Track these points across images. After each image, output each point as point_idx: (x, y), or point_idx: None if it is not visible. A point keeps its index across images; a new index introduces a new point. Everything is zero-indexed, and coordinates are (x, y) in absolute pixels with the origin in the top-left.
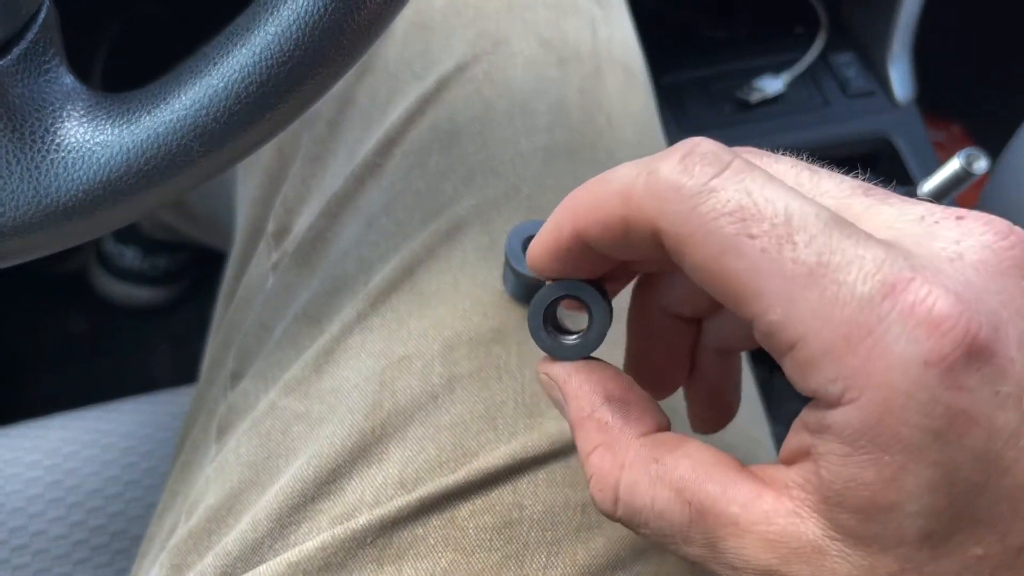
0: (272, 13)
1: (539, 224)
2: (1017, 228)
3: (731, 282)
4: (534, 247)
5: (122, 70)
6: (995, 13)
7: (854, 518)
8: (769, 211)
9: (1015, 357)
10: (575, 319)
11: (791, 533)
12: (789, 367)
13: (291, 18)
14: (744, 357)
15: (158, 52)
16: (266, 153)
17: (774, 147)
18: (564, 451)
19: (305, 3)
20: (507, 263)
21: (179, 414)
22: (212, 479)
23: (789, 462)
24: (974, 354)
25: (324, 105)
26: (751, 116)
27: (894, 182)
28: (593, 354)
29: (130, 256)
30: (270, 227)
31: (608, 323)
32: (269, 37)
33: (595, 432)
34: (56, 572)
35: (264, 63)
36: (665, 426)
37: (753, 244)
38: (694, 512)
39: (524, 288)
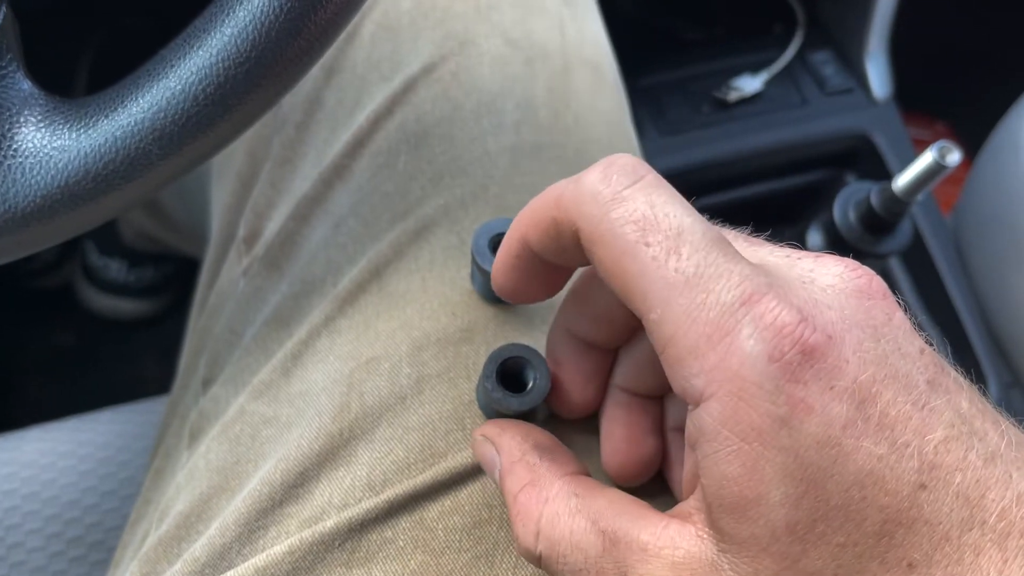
0: (228, 15)
1: (506, 222)
2: (866, 267)
3: (627, 281)
4: (496, 265)
5: (108, 79)
6: (972, 9)
7: (732, 520)
8: (665, 224)
9: (850, 359)
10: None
11: (694, 555)
12: (665, 365)
13: (247, 19)
14: None
15: (143, 61)
16: (238, 158)
17: (753, 146)
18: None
19: (261, 4)
20: (474, 261)
21: (157, 423)
22: (182, 486)
23: (689, 491)
24: (808, 353)
25: (292, 108)
26: (730, 116)
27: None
28: None
29: (115, 268)
30: (241, 232)
31: (548, 385)
32: (225, 39)
33: (523, 472)
34: None
35: (221, 65)
36: (586, 472)
37: (647, 251)
38: (607, 542)
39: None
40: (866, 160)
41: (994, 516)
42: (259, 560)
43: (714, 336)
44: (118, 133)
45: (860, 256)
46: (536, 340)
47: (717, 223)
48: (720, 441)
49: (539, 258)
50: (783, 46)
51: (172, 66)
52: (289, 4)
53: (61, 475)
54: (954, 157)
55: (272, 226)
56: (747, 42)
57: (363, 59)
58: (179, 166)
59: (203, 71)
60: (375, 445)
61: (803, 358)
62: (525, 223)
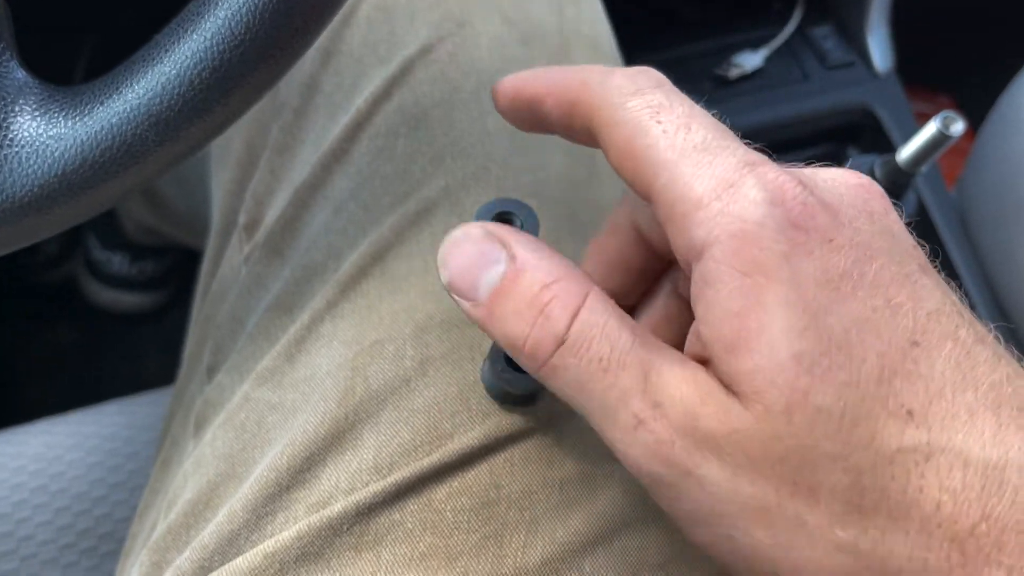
0: None
1: (508, 202)
2: (872, 181)
3: (637, 158)
4: (512, 79)
5: (107, 68)
6: None
7: (735, 358)
8: (678, 110)
9: (846, 225)
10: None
11: (707, 379)
12: (671, 231)
13: (241, 1)
14: None
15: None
16: (236, 146)
17: (756, 122)
18: (540, 429)
19: None
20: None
21: (163, 414)
22: (189, 474)
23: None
24: (807, 209)
25: (290, 93)
26: (731, 92)
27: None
28: None
29: (117, 262)
30: (241, 219)
31: None
32: (220, 21)
33: (554, 267)
34: None
35: (216, 48)
36: None
37: (658, 127)
38: (639, 341)
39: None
40: (869, 134)
41: (985, 386)
42: (268, 546)
43: (719, 188)
44: (114, 120)
45: None
46: None
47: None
48: (722, 280)
49: (542, 115)
50: (783, 21)
51: (166, 51)
52: None
53: (69, 468)
54: (958, 127)
55: (272, 213)
56: (747, 18)
57: (360, 42)
58: (176, 152)
59: (198, 55)
60: (381, 428)
61: (803, 210)
62: (546, 87)
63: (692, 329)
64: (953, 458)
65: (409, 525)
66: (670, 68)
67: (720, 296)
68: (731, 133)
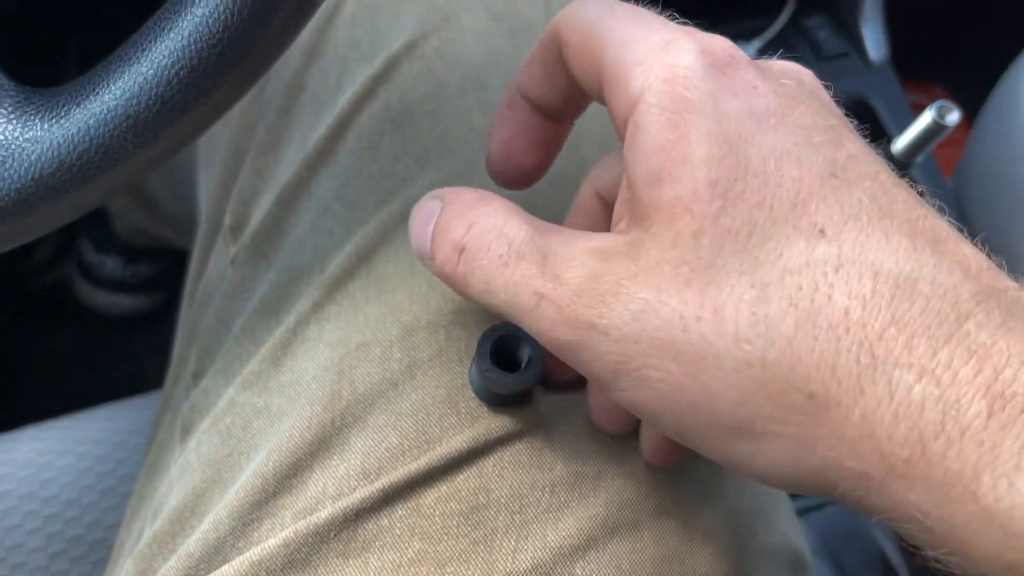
0: None
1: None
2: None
3: (592, 49)
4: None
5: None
6: None
7: (656, 189)
8: (625, 4)
9: (772, 79)
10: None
11: (613, 237)
12: (615, 95)
13: None
14: None
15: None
16: (223, 147)
17: None
18: (530, 431)
19: None
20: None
21: (153, 418)
22: (175, 480)
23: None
24: (738, 59)
25: (275, 93)
26: None
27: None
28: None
29: (111, 265)
30: (227, 221)
31: (543, 362)
32: (197, 19)
33: (471, 195)
34: None
35: (193, 46)
36: None
37: (610, 17)
38: (537, 231)
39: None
40: (865, 124)
41: (901, 219)
42: (253, 554)
43: (656, 47)
44: (91, 122)
45: None
46: None
47: None
48: (652, 121)
49: (529, 109)
50: (776, 12)
51: (143, 50)
52: None
53: (59, 474)
54: (953, 116)
55: (258, 214)
56: (740, 9)
57: (344, 39)
58: (156, 153)
59: (175, 54)
60: (368, 433)
61: (731, 60)
62: (519, 72)
63: (621, 188)
64: (864, 268)
65: (397, 531)
66: None
67: (648, 135)
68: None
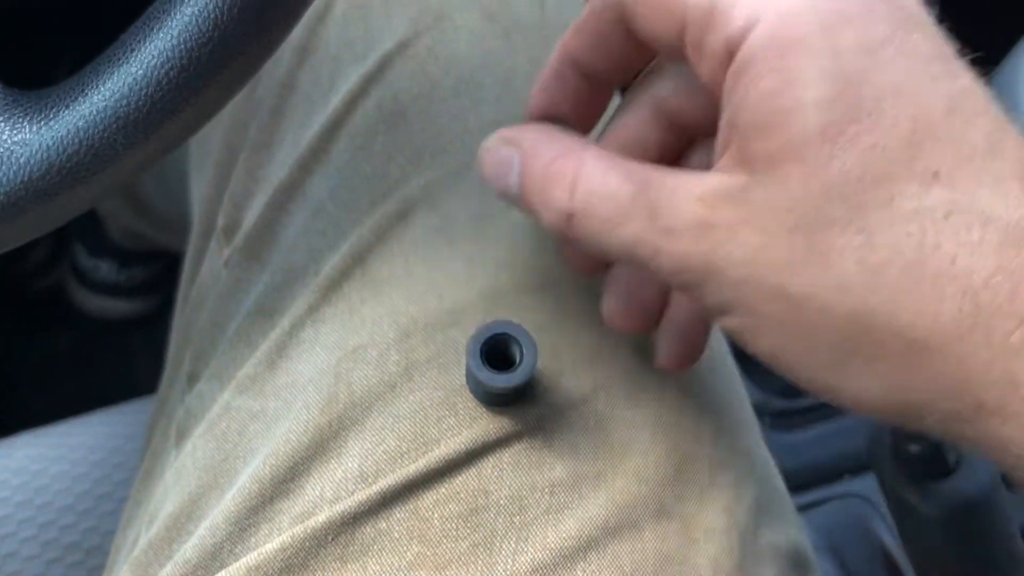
0: None
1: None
2: None
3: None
4: (536, 86)
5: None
6: None
7: (765, 137)
8: None
9: (887, 1)
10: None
11: (718, 183)
12: (708, 38)
13: None
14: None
15: None
16: (215, 148)
17: None
18: (529, 432)
19: None
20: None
21: (148, 423)
22: (170, 486)
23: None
24: None
25: (267, 93)
26: None
27: None
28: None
29: (105, 269)
30: (220, 222)
31: (535, 360)
32: (186, 19)
33: (553, 147)
34: None
35: (183, 46)
36: None
37: None
38: (639, 186)
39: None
40: None
41: (1013, 159)
42: (251, 559)
43: None
44: (80, 124)
45: None
46: (525, 320)
47: None
48: (761, 61)
49: (576, 74)
50: None
51: (132, 51)
52: None
53: (54, 481)
54: None
55: (251, 215)
56: None
57: (336, 39)
58: (147, 155)
59: (164, 54)
60: (366, 435)
61: None
62: (567, 35)
63: (723, 127)
64: (974, 217)
65: (396, 534)
66: None
67: (754, 81)
68: None
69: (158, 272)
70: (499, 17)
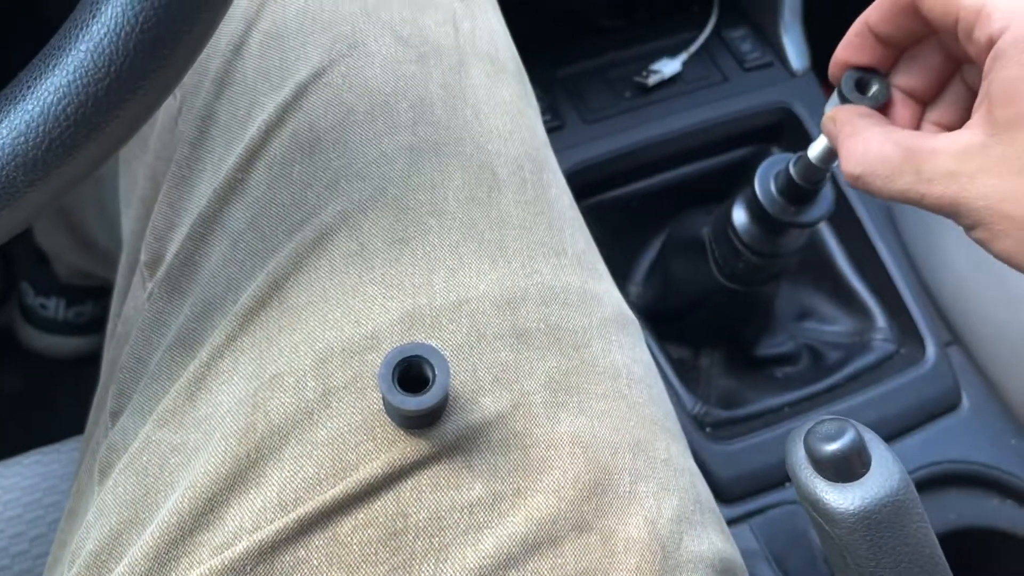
0: (84, 30)
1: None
2: None
3: None
4: (839, 47)
5: None
6: None
7: (1008, 108)
8: None
9: None
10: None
11: (971, 142)
12: (977, 28)
13: (102, 33)
14: (652, 344)
15: None
16: (140, 183)
17: (679, 127)
18: (447, 453)
19: (115, 16)
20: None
21: None
22: (92, 523)
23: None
24: None
25: (186, 126)
26: (651, 99)
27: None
28: None
29: (53, 307)
30: (143, 257)
31: (447, 382)
32: (82, 55)
33: (849, 128)
34: None
35: (79, 82)
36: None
37: None
38: (906, 152)
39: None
40: (791, 132)
41: None
42: None
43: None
44: None
45: (784, 227)
46: (443, 341)
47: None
48: (1009, 55)
49: (872, 37)
50: (701, 26)
51: (29, 88)
52: (144, 16)
53: None
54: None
55: (172, 248)
56: (666, 25)
57: (253, 69)
58: (49, 192)
59: (61, 90)
60: (284, 464)
61: None
62: (869, 9)
63: (979, 98)
64: None
65: (315, 561)
66: (592, 77)
67: (1005, 67)
68: None
69: (106, 308)
70: (413, 42)
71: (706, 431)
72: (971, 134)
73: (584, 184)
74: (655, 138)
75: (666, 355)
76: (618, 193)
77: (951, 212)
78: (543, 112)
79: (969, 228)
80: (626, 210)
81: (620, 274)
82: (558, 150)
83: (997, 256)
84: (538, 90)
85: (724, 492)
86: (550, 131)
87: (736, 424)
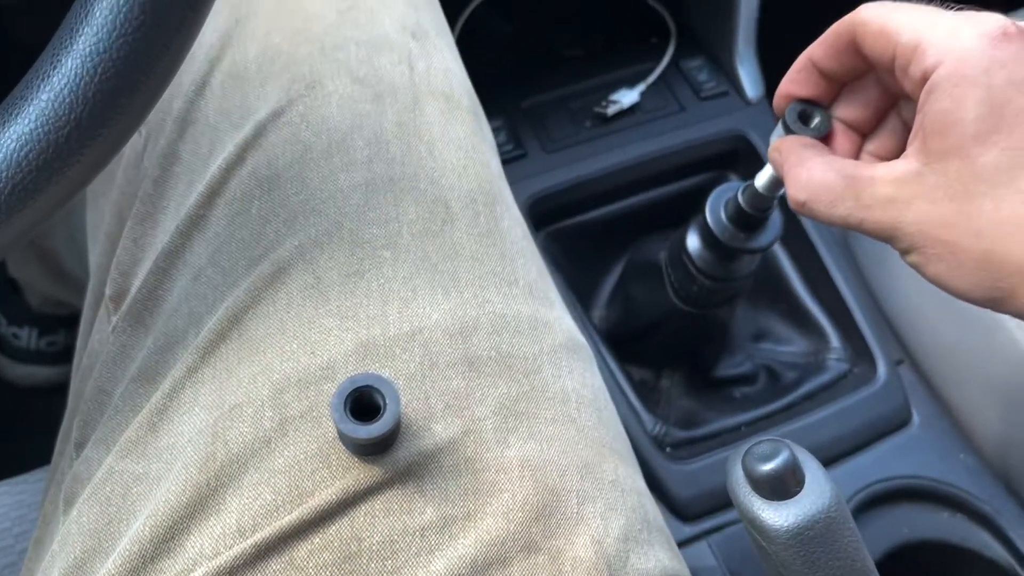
0: (45, 81)
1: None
2: None
3: (887, 32)
4: (783, 81)
5: None
6: (836, 7)
7: (939, 139)
8: (908, 3)
9: None
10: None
11: (907, 170)
12: (912, 65)
13: (63, 84)
14: (614, 366)
15: None
16: (107, 218)
17: (637, 155)
18: (400, 478)
19: (75, 69)
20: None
21: None
22: (57, 553)
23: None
24: (1008, 34)
25: (151, 164)
26: (611, 128)
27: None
28: None
29: (26, 337)
30: (108, 291)
31: (398, 412)
32: (43, 104)
33: (795, 158)
34: None
35: (41, 129)
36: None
37: (898, 11)
38: (847, 180)
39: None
40: (747, 159)
41: None
42: None
43: (943, 35)
44: None
45: (735, 253)
46: (397, 370)
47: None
48: (942, 88)
49: (815, 72)
50: (658, 56)
51: None
52: (103, 66)
53: None
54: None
55: (136, 282)
56: (624, 56)
57: (215, 109)
58: (11, 235)
59: (23, 137)
60: (243, 491)
61: (1003, 36)
62: (812, 46)
63: (913, 130)
64: None
65: None
66: (554, 107)
67: (937, 101)
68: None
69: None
70: (369, 81)
71: (666, 451)
72: (907, 163)
73: (546, 211)
74: (615, 166)
75: (627, 377)
76: (580, 219)
77: (888, 237)
78: (506, 141)
79: (905, 252)
80: (588, 236)
81: (584, 298)
82: (521, 178)
83: (931, 280)
84: (501, 120)
85: (683, 511)
86: (513, 160)
87: (695, 444)
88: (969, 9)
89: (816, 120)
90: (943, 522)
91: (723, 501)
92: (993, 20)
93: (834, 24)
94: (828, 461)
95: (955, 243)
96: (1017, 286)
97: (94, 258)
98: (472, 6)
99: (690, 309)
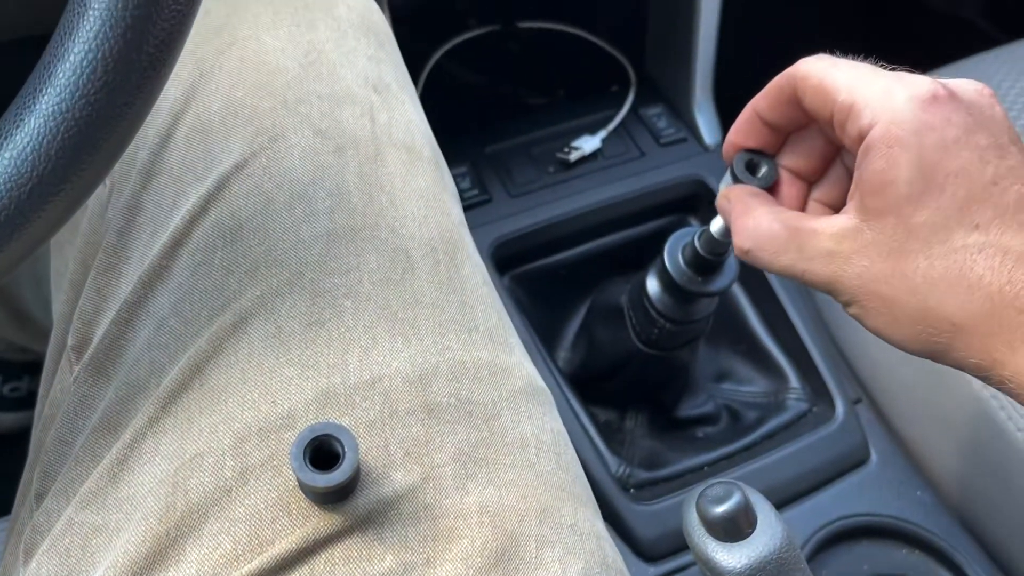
0: (8, 139)
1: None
2: (986, 87)
3: (825, 89)
4: (731, 130)
5: None
6: (788, 55)
7: (874, 198)
8: (843, 59)
9: (962, 108)
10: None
11: (846, 226)
12: (849, 123)
13: (25, 141)
14: (578, 408)
15: None
16: (71, 266)
17: (598, 200)
18: (359, 526)
19: (38, 128)
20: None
21: None
22: None
23: (841, 205)
24: (939, 97)
25: (115, 215)
26: (573, 174)
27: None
28: None
29: None
30: (70, 341)
31: (356, 461)
32: (6, 161)
33: (742, 207)
34: None
35: (3, 186)
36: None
37: (835, 70)
38: (791, 231)
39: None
40: (706, 203)
41: None
42: None
43: (877, 95)
44: None
45: (693, 296)
46: (356, 418)
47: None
48: (876, 149)
49: (760, 123)
50: (619, 104)
51: None
52: (65, 125)
53: None
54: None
55: (99, 332)
56: (586, 103)
57: (178, 162)
58: None
59: None
60: (203, 541)
61: (934, 99)
62: (756, 97)
63: (852, 186)
64: (998, 250)
65: None
66: (517, 153)
67: (873, 161)
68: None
69: None
70: (331, 134)
71: (630, 492)
72: (847, 219)
73: (511, 254)
74: (578, 210)
75: (592, 418)
76: (544, 263)
77: (829, 289)
78: (471, 187)
79: (846, 305)
80: (552, 279)
81: (548, 341)
82: (485, 222)
83: (871, 331)
84: (466, 166)
85: (647, 551)
86: (478, 204)
87: (658, 484)
88: (902, 69)
89: (763, 170)
90: (901, 559)
91: (686, 541)
92: (924, 83)
93: (776, 77)
94: (789, 499)
95: (892, 298)
96: (952, 341)
97: (58, 306)
98: (436, 57)
99: (652, 351)
